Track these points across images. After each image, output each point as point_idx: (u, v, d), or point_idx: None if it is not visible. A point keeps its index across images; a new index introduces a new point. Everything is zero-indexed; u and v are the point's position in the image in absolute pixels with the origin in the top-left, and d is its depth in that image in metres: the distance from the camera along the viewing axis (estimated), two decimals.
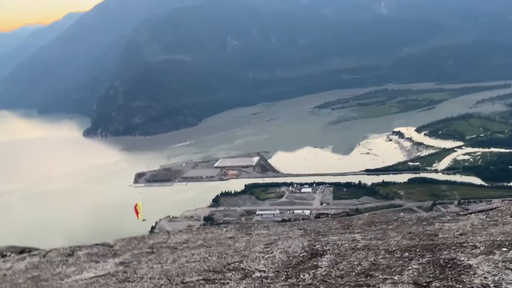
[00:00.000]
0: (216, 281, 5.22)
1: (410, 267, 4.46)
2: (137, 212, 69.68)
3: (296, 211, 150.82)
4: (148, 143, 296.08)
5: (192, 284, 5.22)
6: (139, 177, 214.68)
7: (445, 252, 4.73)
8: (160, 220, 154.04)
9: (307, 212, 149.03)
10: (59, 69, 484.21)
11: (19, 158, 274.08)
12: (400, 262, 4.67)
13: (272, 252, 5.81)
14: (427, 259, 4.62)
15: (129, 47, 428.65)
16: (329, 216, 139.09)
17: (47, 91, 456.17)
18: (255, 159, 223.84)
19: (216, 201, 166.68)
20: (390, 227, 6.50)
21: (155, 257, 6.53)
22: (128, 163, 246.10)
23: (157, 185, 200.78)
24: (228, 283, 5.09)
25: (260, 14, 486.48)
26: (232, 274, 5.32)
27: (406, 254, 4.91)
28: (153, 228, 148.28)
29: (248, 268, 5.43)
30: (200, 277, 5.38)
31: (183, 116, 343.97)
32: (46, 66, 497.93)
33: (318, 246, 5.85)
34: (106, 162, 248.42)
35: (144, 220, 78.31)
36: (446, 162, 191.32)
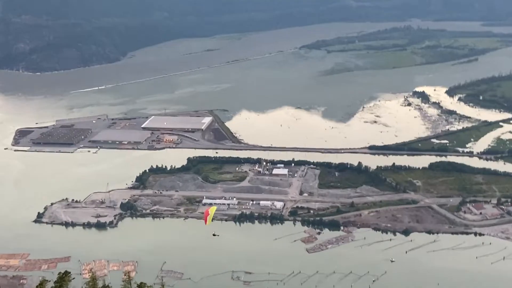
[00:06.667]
0: None
1: None
2: (206, 215, 77.59)
3: (262, 203, 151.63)
4: (38, 83, 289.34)
5: None
6: (21, 136, 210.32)
7: None
8: (52, 204, 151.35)
9: (278, 205, 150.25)
10: None
11: None
12: None
13: None
14: None
15: None
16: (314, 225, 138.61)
17: None
18: (206, 120, 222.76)
19: (142, 181, 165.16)
20: None
21: None
22: (4, 113, 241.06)
23: (50, 150, 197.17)
24: None
25: None
26: None
27: None
28: (40, 214, 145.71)
29: None
30: None
31: (96, 45, 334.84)
32: None
33: None
34: None
35: (214, 234, 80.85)
36: (486, 141, 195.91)
